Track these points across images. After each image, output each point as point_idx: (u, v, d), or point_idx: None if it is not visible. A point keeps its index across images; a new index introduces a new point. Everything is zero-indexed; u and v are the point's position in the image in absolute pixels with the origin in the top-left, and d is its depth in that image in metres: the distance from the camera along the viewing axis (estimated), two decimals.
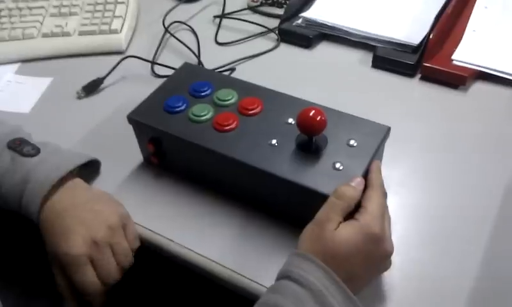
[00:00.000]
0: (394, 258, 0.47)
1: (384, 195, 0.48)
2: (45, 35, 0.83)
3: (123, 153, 0.64)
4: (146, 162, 0.62)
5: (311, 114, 0.50)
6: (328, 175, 0.50)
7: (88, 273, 0.50)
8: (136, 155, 0.63)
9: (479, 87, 0.70)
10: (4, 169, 0.55)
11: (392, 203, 0.54)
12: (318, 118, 0.50)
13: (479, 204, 0.55)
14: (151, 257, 0.57)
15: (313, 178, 0.50)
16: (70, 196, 0.54)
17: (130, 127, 0.60)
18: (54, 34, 0.82)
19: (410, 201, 0.56)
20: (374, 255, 0.44)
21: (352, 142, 0.53)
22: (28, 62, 0.82)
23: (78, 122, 0.69)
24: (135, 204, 0.58)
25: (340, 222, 0.44)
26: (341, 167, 0.50)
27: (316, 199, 0.48)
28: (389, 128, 0.54)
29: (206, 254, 0.53)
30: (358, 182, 0.47)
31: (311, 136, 0.52)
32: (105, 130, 0.68)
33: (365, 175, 0.50)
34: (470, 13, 0.80)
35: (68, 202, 0.53)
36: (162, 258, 0.56)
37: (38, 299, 0.66)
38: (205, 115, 0.57)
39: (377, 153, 0.53)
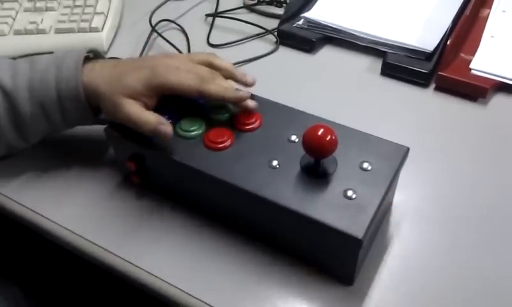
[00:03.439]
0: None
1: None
2: (17, 32, 0.74)
3: (99, 169, 0.56)
4: (127, 181, 0.55)
5: (319, 133, 0.43)
6: (338, 205, 0.42)
7: (182, 74, 0.49)
8: (114, 172, 0.55)
9: (500, 99, 0.63)
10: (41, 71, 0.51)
11: (410, 234, 0.48)
12: (328, 138, 0.43)
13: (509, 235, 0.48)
14: (133, 294, 0.50)
15: (322, 208, 0.42)
16: (106, 61, 0.54)
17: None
18: (27, 32, 0.74)
19: (430, 231, 0.49)
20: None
21: (366, 165, 0.45)
22: None
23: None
24: (112, 230, 0.50)
25: None
26: (354, 196, 0.43)
27: (324, 232, 0.41)
28: (408, 149, 0.47)
29: (196, 294, 0.45)
30: None
31: (319, 159, 0.45)
32: (78, 142, 0.60)
33: (380, 206, 0.43)
34: (486, 17, 0.73)
35: (110, 62, 0.53)
36: (143, 295, 0.48)
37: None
38: (195, 130, 0.49)
39: (395, 178, 0.46)
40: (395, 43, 0.68)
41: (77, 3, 0.77)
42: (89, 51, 0.54)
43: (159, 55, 0.53)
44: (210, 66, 0.52)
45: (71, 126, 0.54)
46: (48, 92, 0.50)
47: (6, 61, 0.53)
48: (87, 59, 0.52)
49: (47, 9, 0.77)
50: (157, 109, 0.50)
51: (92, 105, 0.51)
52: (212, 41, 0.75)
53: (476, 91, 0.63)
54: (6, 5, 0.78)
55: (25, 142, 0.54)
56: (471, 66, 0.65)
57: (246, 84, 0.53)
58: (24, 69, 0.51)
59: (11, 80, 0.51)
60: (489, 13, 0.73)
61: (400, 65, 0.66)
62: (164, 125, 0.48)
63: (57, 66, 0.51)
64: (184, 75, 0.49)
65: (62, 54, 0.52)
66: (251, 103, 0.50)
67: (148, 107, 0.49)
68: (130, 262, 0.48)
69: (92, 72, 0.51)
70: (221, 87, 0.49)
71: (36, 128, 0.52)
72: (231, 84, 0.52)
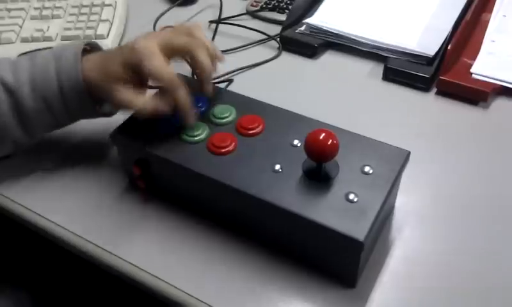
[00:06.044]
0: None
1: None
2: (24, 40, 0.76)
3: (105, 173, 0.57)
4: (132, 185, 0.55)
5: (321, 137, 0.43)
6: (340, 208, 0.43)
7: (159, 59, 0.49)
8: (119, 177, 0.56)
9: (500, 103, 0.64)
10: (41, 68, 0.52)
11: (412, 237, 0.48)
12: (329, 142, 0.43)
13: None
14: (139, 298, 0.50)
15: (324, 211, 0.43)
16: (101, 52, 0.55)
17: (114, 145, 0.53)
18: (34, 39, 0.75)
19: (432, 234, 0.50)
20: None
21: (367, 169, 0.46)
22: None
23: (56, 137, 0.62)
24: (117, 234, 0.51)
25: None
26: (355, 199, 0.44)
27: (326, 235, 0.42)
28: (409, 153, 0.48)
29: (200, 297, 0.46)
30: None
31: (320, 163, 0.45)
32: (85, 148, 0.61)
33: (382, 209, 0.43)
34: (487, 21, 0.73)
35: (103, 53, 0.54)
36: (150, 298, 0.49)
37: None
38: (199, 135, 0.50)
39: (396, 182, 0.46)
40: (396, 48, 0.69)
41: (83, 11, 0.79)
42: (87, 44, 0.55)
43: (144, 34, 0.53)
44: (190, 35, 0.53)
45: (75, 120, 0.55)
46: (50, 85, 0.51)
47: (7, 59, 0.54)
48: (85, 51, 0.53)
49: (53, 17, 0.79)
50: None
51: (93, 97, 0.52)
52: None
53: (477, 95, 0.63)
54: (13, 13, 0.79)
55: (30, 138, 0.54)
56: (472, 70, 0.66)
57: (217, 58, 0.55)
58: (24, 65, 0.52)
59: (13, 76, 0.51)
60: (490, 17, 0.74)
61: (402, 70, 0.67)
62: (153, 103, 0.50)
63: (57, 59, 0.52)
64: (158, 59, 0.49)
65: (61, 48, 0.53)
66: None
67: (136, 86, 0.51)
68: (135, 265, 0.48)
69: (88, 63, 0.52)
70: (163, 68, 0.50)
71: (40, 122, 0.53)
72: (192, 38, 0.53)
